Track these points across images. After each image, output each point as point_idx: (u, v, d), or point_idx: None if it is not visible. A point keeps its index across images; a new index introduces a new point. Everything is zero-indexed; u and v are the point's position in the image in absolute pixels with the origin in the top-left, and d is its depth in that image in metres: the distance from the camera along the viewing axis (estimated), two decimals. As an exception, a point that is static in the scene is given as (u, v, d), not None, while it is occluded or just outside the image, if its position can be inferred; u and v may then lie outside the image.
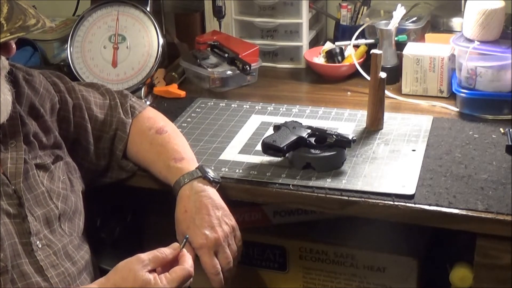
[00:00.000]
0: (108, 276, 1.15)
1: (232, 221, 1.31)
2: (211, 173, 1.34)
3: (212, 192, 1.32)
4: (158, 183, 1.44)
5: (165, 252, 1.16)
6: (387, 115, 1.58)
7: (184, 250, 1.19)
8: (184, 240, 1.21)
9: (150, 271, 1.13)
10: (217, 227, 1.28)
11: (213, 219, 1.28)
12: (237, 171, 1.42)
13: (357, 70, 1.83)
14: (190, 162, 1.38)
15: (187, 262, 1.17)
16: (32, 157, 1.25)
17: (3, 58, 1.16)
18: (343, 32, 1.97)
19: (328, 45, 1.93)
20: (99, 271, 1.35)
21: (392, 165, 1.41)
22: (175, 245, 1.19)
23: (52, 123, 1.34)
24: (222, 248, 1.27)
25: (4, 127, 1.21)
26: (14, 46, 1.14)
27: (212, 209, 1.29)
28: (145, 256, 1.14)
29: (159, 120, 1.49)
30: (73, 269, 1.23)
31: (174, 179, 1.34)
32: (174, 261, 1.18)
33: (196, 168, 1.35)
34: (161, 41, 1.79)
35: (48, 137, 1.31)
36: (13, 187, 1.19)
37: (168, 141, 1.42)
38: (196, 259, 1.26)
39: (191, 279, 1.18)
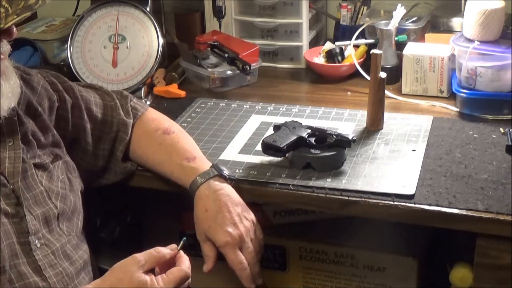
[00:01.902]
0: (105, 277, 1.15)
1: (251, 215, 1.33)
2: (226, 171, 1.35)
3: (229, 190, 1.33)
4: (158, 183, 1.44)
5: (162, 252, 1.16)
6: (387, 115, 1.58)
7: (181, 251, 1.19)
8: (182, 241, 1.21)
9: (147, 272, 1.13)
10: (239, 224, 1.29)
11: (234, 216, 1.29)
12: (237, 171, 1.42)
13: (357, 70, 1.83)
14: (203, 161, 1.38)
15: (184, 263, 1.17)
16: (31, 157, 1.25)
17: (4, 42, 1.16)
18: (343, 32, 1.97)
19: (328, 45, 1.93)
20: (98, 271, 1.35)
21: (392, 165, 1.41)
22: (173, 246, 1.19)
23: (50, 122, 1.33)
24: (246, 244, 1.29)
25: (1, 126, 1.20)
26: (15, 29, 1.14)
27: (232, 206, 1.30)
28: (141, 256, 1.14)
29: (164, 121, 1.49)
30: (71, 269, 1.23)
31: (190, 180, 1.34)
32: (172, 262, 1.18)
33: (211, 167, 1.35)
34: (161, 41, 1.79)
35: (46, 136, 1.31)
36: (11, 187, 1.18)
37: (177, 141, 1.42)
38: (197, 261, 1.26)
39: (189, 280, 1.18)
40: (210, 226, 1.29)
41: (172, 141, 1.42)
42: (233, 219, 1.29)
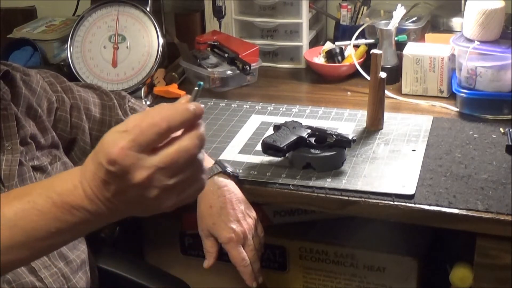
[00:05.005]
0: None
1: (253, 213, 1.35)
2: (229, 168, 1.36)
3: (233, 186, 1.34)
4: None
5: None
6: (387, 115, 1.58)
7: (194, 102, 0.87)
8: (197, 87, 0.90)
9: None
10: (242, 221, 1.31)
11: (238, 213, 1.31)
12: (237, 171, 1.42)
13: (357, 70, 1.83)
14: (205, 158, 1.37)
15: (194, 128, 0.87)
16: (29, 159, 1.25)
17: None
18: (343, 32, 1.97)
19: (328, 45, 1.93)
20: (97, 270, 1.34)
21: (392, 165, 1.41)
22: (186, 97, 0.92)
23: (49, 123, 1.33)
24: (248, 241, 1.31)
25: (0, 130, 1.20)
26: None
27: (236, 203, 1.32)
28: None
29: None
30: (66, 269, 1.22)
31: None
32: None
33: (214, 163, 1.36)
34: (161, 41, 1.79)
35: (46, 137, 1.31)
36: (5, 190, 1.18)
37: None
38: (198, 261, 1.26)
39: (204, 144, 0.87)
40: (215, 222, 1.30)
41: None
42: (237, 216, 1.30)
